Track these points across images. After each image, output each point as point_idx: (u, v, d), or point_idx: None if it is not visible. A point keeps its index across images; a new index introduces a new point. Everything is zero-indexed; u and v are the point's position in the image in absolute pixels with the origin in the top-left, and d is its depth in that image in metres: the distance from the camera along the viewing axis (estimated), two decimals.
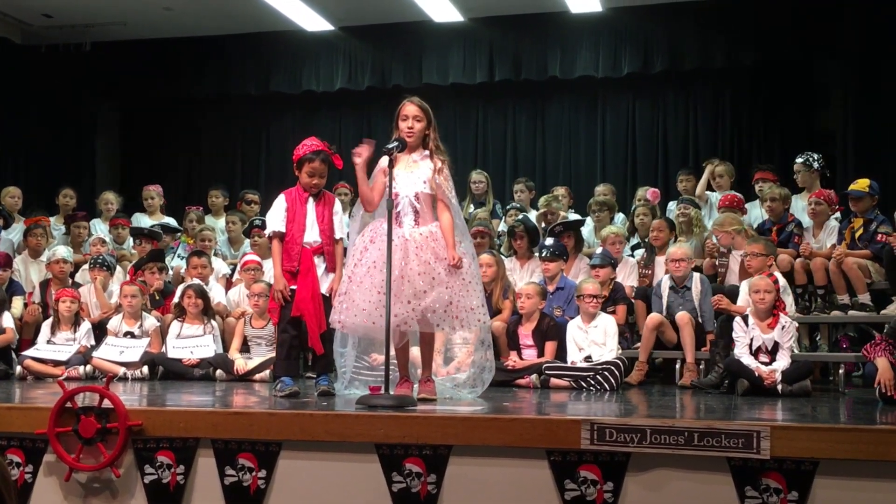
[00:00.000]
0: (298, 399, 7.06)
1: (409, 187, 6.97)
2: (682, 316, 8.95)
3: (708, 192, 11.53)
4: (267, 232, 7.67)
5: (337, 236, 7.59)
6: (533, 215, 11.56)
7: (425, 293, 6.76)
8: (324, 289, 7.45)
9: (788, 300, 8.75)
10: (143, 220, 12.55)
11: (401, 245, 6.81)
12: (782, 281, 8.78)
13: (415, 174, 7.01)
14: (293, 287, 7.38)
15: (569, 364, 8.55)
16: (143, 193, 12.96)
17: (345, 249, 7.54)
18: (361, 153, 6.91)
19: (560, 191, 12.20)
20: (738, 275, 9.40)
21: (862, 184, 9.65)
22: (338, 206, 7.72)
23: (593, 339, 8.69)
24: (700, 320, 9.12)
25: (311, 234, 7.46)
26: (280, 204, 7.54)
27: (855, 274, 9.17)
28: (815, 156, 10.71)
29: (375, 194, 7.01)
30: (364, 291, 6.80)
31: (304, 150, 7.52)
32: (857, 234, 9.54)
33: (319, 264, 7.48)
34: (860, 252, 9.35)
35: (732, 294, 9.08)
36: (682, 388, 8.58)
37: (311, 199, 7.53)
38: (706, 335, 9.02)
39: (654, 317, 9.05)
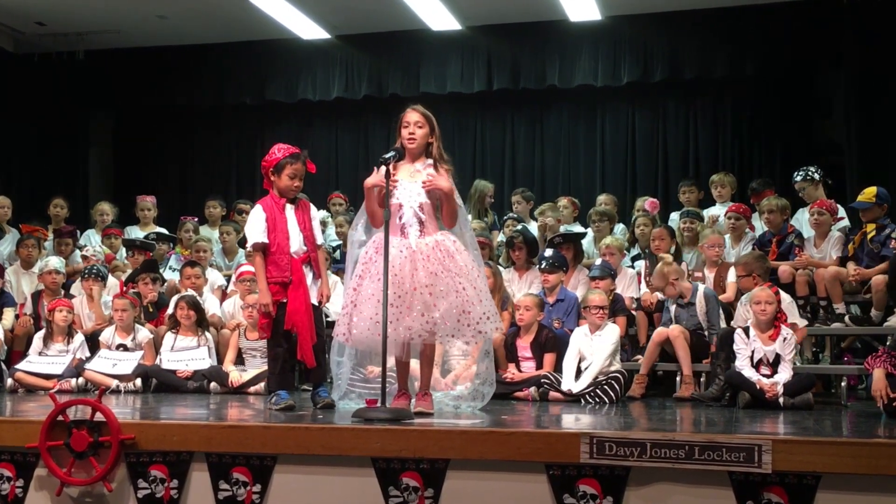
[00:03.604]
0: (294, 412, 6.99)
1: (414, 198, 6.85)
2: (672, 330, 8.88)
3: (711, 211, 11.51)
4: (248, 245, 7.57)
5: (318, 242, 7.55)
6: (531, 226, 11.49)
7: (435, 305, 6.67)
8: (313, 298, 7.39)
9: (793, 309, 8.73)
10: (135, 233, 12.51)
11: (408, 256, 6.73)
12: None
13: (419, 184, 6.87)
14: (283, 301, 7.29)
15: (563, 386, 8.43)
16: (139, 204, 12.90)
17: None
18: (371, 178, 6.90)
19: (563, 201, 12.06)
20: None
21: (868, 193, 9.55)
22: (314, 211, 7.67)
23: (597, 349, 8.59)
24: (706, 334, 9.06)
25: (297, 243, 7.38)
26: (258, 214, 7.41)
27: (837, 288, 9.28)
28: (812, 168, 10.64)
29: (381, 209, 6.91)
30: (375, 304, 6.67)
31: (282, 153, 7.44)
32: (869, 237, 9.45)
33: (308, 273, 7.40)
34: (873, 271, 9.26)
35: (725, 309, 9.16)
36: (680, 400, 8.50)
37: (288, 206, 7.45)
38: (710, 348, 8.95)
39: (661, 331, 8.96)
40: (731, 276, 9.51)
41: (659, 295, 9.46)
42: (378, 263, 6.70)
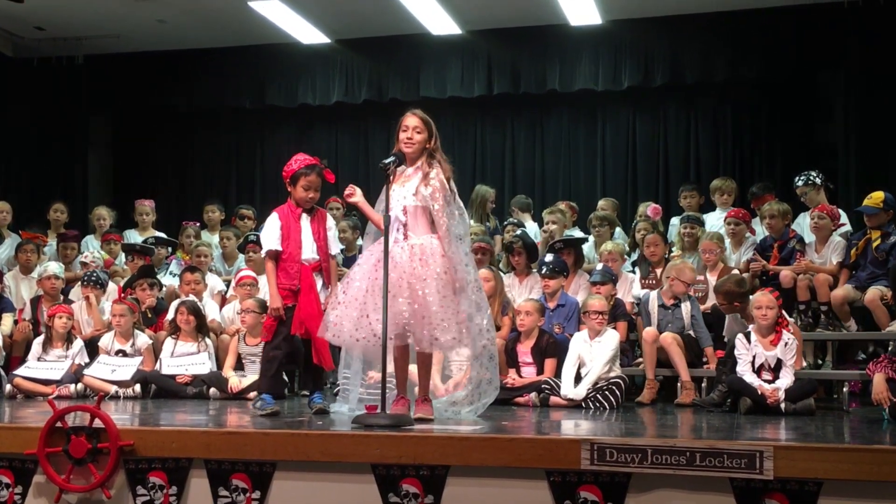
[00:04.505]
0: (280, 419, 6.97)
1: (398, 202, 6.86)
2: (665, 337, 8.85)
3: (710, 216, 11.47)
4: (263, 251, 7.57)
5: (332, 252, 7.55)
6: (530, 227, 11.46)
7: (378, 307, 6.58)
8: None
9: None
10: (134, 237, 12.46)
11: (378, 259, 6.71)
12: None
13: (405, 187, 6.88)
14: (291, 305, 7.29)
15: (562, 392, 8.40)
16: (137, 209, 12.84)
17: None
18: (353, 193, 7.03)
19: (562, 206, 11.99)
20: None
21: (876, 198, 9.49)
22: (330, 221, 7.68)
23: (597, 354, 8.56)
24: (695, 336, 9.04)
25: (310, 252, 7.40)
26: (274, 222, 7.45)
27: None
28: (814, 172, 10.60)
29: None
30: (340, 306, 6.79)
31: (298, 164, 7.46)
32: (874, 244, 9.42)
33: (318, 281, 7.42)
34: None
35: (718, 316, 9.12)
36: (680, 406, 8.46)
37: (304, 216, 7.47)
38: (703, 350, 8.95)
39: (651, 331, 8.93)
40: None
41: (652, 295, 9.41)
42: (353, 269, 6.95)
